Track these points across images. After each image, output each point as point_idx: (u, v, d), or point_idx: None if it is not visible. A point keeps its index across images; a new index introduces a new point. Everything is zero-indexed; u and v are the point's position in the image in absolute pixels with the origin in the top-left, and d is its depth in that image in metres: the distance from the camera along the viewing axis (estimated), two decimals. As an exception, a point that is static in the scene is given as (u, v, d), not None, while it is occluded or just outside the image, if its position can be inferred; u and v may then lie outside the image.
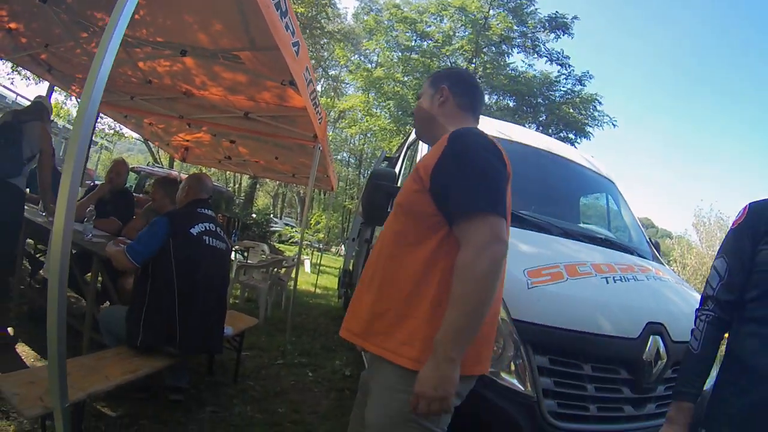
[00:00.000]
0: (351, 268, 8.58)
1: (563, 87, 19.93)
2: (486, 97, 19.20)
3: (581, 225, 4.55)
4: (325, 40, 23.53)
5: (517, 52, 20.44)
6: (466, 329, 1.71)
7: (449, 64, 19.08)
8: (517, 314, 2.69)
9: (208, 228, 3.82)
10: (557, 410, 2.69)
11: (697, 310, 2.10)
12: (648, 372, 2.94)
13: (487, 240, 1.74)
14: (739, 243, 2.05)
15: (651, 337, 2.97)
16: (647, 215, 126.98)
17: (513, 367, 2.67)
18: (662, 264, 4.56)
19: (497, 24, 19.04)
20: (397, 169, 4.91)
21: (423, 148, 4.14)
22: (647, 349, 2.95)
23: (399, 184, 3.68)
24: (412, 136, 4.82)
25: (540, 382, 2.67)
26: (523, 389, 2.64)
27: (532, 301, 2.78)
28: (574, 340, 2.78)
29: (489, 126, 4.68)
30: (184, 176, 7.52)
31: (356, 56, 23.74)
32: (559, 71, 19.83)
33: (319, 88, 26.66)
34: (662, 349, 2.99)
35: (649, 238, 5.05)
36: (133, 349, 3.44)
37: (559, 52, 19.70)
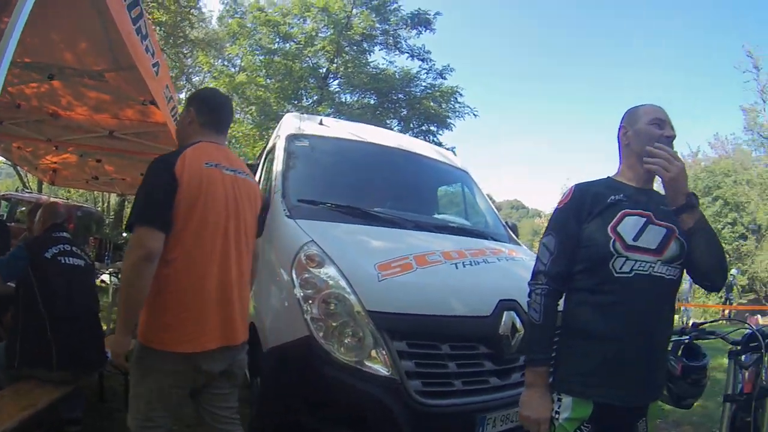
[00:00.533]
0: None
1: (424, 82, 20.57)
2: (347, 96, 20.50)
3: (436, 216, 4.90)
4: (187, 49, 22.89)
5: (379, 50, 20.98)
6: (125, 310, 2.40)
7: (311, 65, 19.24)
8: (370, 306, 3.00)
9: (62, 248, 3.89)
10: (423, 389, 3.00)
11: (529, 283, 2.29)
12: (507, 345, 3.29)
13: (131, 247, 2.32)
14: (567, 221, 2.25)
15: (505, 313, 3.32)
16: (517, 197, 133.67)
17: (375, 354, 2.96)
18: (518, 245, 5.01)
19: (359, 23, 19.29)
20: (257, 177, 4.95)
21: (280, 155, 4.37)
22: (502, 324, 3.29)
23: (261, 190, 3.72)
24: (271, 142, 4.90)
25: (402, 365, 2.96)
26: (387, 373, 2.93)
27: (384, 293, 3.09)
28: (428, 323, 3.12)
29: (341, 129, 5.05)
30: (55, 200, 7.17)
31: (220, 61, 23.22)
32: (420, 66, 20.44)
33: (182, 96, 26.00)
34: (518, 323, 3.34)
35: (506, 221, 5.47)
36: (28, 383, 3.53)
37: (420, 48, 20.28)
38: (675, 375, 2.85)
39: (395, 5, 20.07)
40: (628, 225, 2.16)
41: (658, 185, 2.37)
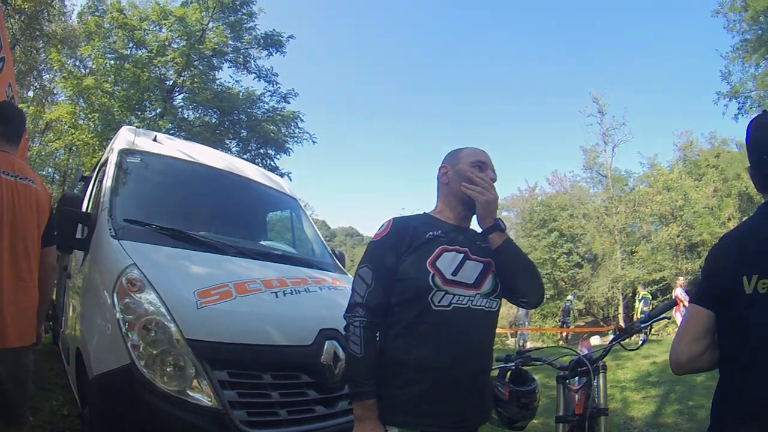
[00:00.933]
0: (54, 297, 7.94)
1: (267, 104, 20.84)
2: (189, 113, 20.50)
3: (261, 243, 5.00)
4: (41, 43, 21.51)
5: (228, 67, 21.23)
6: None
7: (159, 75, 18.52)
8: (189, 334, 3.00)
9: None
10: (248, 419, 3.04)
11: (346, 316, 2.35)
12: (330, 374, 3.41)
13: None
14: (384, 254, 2.32)
15: (326, 342, 3.44)
16: (352, 224, 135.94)
17: (197, 384, 2.95)
18: (344, 273, 5.17)
19: (213, 38, 18.97)
20: (89, 191, 4.73)
21: (111, 171, 4.22)
22: (324, 354, 3.40)
23: (91, 207, 3.53)
24: (105, 156, 4.71)
25: (224, 395, 2.98)
26: (209, 404, 2.93)
27: (203, 320, 3.10)
28: (248, 352, 3.17)
29: (174, 147, 4.97)
30: None
31: (72, 61, 21.95)
32: (265, 88, 20.71)
33: (30, 95, 24.41)
34: (340, 352, 3.45)
35: (333, 250, 5.66)
36: None
37: (268, 69, 20.50)
38: (503, 400, 3.04)
39: (252, 24, 20.02)
40: (446, 260, 2.29)
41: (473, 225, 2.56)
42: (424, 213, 2.56)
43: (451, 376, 2.20)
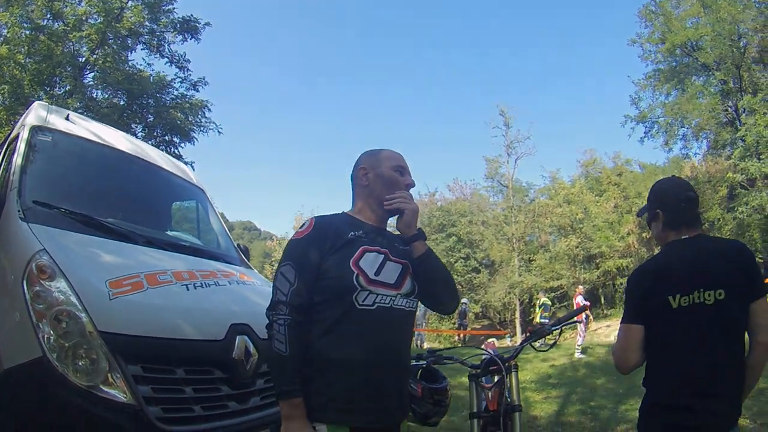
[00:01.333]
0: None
1: (177, 90, 21.10)
2: (99, 93, 20.56)
3: (169, 233, 4.86)
4: None
5: (141, 49, 21.10)
6: None
7: (73, 51, 18.17)
8: (102, 326, 2.91)
9: None
10: (164, 415, 2.98)
11: (269, 314, 2.32)
12: (242, 369, 3.39)
13: None
14: (307, 252, 2.34)
15: (237, 337, 3.41)
16: (251, 218, 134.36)
17: (111, 379, 2.85)
18: (249, 268, 5.16)
19: (130, 17, 18.65)
20: None
21: (21, 148, 3.97)
22: (236, 349, 3.37)
23: None
24: (15, 131, 4.57)
25: (139, 391, 2.91)
26: (124, 399, 2.85)
27: (115, 312, 3.01)
28: (161, 346, 3.10)
29: (87, 128, 4.75)
30: None
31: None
32: (176, 74, 20.91)
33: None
34: (251, 348, 3.45)
35: (238, 244, 5.57)
36: None
37: (181, 55, 20.72)
38: (416, 396, 3.21)
39: (170, 6, 19.82)
40: (369, 260, 2.35)
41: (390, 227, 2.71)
42: (343, 212, 2.60)
43: (376, 373, 2.27)
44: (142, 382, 2.93)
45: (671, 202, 2.75)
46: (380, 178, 2.52)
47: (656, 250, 3.64)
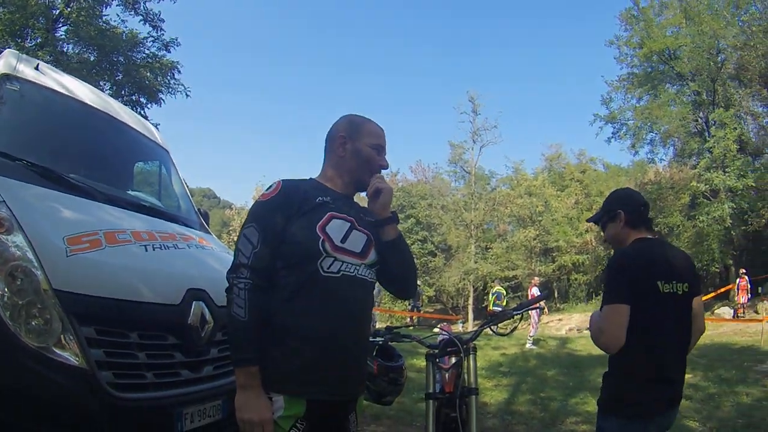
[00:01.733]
0: None
1: (148, 50, 20.73)
2: (70, 47, 20.00)
3: (130, 192, 4.75)
4: None
5: (117, 5, 20.23)
6: None
7: (47, 2, 17.78)
8: (58, 284, 2.79)
9: None
10: (115, 381, 2.88)
11: (230, 276, 2.25)
12: (196, 336, 3.32)
13: None
14: (273, 215, 2.27)
15: (194, 302, 3.34)
16: (210, 186, 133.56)
17: (64, 341, 2.74)
18: (208, 233, 5.09)
19: (108, -31, 18.10)
20: None
21: None
22: (191, 315, 3.30)
23: None
24: None
25: (91, 354, 2.80)
26: (76, 363, 2.74)
27: (72, 270, 2.90)
28: (117, 308, 3.00)
29: (56, 80, 4.55)
30: None
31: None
32: (149, 33, 20.11)
33: None
34: (207, 314, 3.39)
35: (199, 208, 5.48)
36: None
37: (156, 14, 20.09)
38: (372, 374, 3.15)
39: None
40: (335, 227, 2.30)
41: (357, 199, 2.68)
42: (311, 178, 2.54)
43: (337, 344, 2.24)
44: (94, 345, 2.83)
45: (633, 204, 3.06)
46: (357, 153, 2.46)
47: (612, 252, 3.85)
